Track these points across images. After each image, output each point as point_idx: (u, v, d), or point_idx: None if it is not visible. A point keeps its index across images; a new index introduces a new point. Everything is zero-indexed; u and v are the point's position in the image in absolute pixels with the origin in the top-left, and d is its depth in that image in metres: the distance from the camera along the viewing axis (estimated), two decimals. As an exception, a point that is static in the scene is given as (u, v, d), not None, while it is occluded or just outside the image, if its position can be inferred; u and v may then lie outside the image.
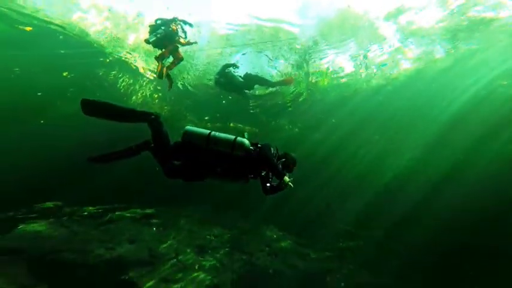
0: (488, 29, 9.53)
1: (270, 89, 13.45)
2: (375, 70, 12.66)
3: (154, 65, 10.00)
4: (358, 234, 10.07)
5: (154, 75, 8.34)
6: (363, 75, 13.02)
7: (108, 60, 10.54)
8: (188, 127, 3.27)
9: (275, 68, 13.15)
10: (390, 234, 9.57)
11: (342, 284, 7.52)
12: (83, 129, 8.81)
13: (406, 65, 12.10)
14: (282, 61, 13.07)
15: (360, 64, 12.68)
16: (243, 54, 12.30)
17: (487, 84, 10.96)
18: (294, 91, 14.19)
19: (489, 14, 9.04)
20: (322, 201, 11.42)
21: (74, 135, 8.93)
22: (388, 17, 10.28)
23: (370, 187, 11.87)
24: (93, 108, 3.01)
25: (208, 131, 3.22)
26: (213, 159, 3.14)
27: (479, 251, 7.87)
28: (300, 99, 14.24)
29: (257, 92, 13.77)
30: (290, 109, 14.45)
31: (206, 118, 12.82)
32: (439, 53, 11.25)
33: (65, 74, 9.57)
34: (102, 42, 10.34)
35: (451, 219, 9.24)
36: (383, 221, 10.27)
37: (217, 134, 3.17)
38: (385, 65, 11.57)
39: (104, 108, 3.03)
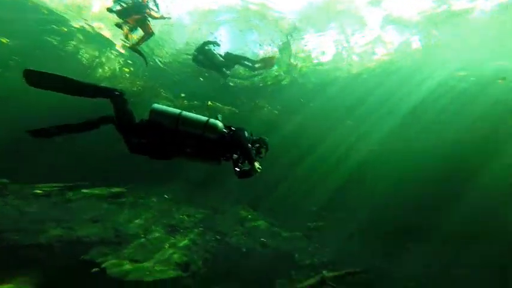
0: (460, 21, 9.88)
1: (253, 73, 13.22)
2: (354, 57, 12.84)
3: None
4: (324, 215, 10.66)
5: (126, 44, 7.76)
6: (344, 62, 13.18)
7: (65, 29, 9.52)
8: (156, 105, 3.05)
9: (259, 46, 12.83)
10: (352, 216, 10.30)
11: (307, 261, 8.05)
12: (34, 100, 7.99)
13: (383, 53, 12.37)
14: (265, 44, 12.78)
15: (342, 51, 12.77)
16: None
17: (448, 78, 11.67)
18: (276, 75, 14.04)
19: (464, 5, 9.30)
20: (294, 183, 11.84)
21: (25, 107, 8.05)
22: (372, 2, 10.22)
23: (338, 171, 12.46)
24: (40, 80, 2.68)
25: (179, 111, 3.04)
26: (183, 140, 3.00)
27: (424, 229, 8.89)
28: (282, 82, 14.14)
29: (238, 72, 13.44)
30: (270, 91, 14.36)
31: (182, 95, 12.34)
32: (416, 43, 11.56)
33: (4, 40, 8.46)
34: (57, 9, 9.10)
35: (410, 202, 10.10)
36: (348, 203, 10.98)
37: (188, 114, 3.03)
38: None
39: (52, 80, 2.70)
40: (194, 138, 3.02)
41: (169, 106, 3.23)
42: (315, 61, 13.33)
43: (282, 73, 13.81)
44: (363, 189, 11.17)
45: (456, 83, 11.35)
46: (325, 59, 13.30)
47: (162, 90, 12.03)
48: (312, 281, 6.50)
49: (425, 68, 11.56)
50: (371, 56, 12.40)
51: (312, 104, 13.92)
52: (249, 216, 9.84)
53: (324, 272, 6.79)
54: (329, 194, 11.55)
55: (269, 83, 14.17)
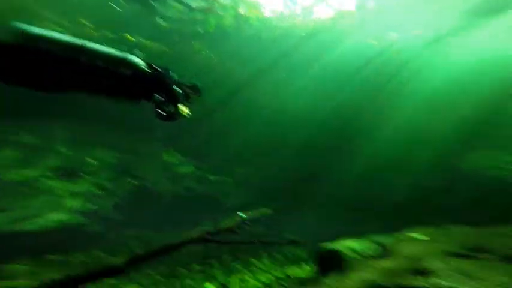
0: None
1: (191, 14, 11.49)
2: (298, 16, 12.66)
3: None
4: (251, 160, 11.07)
5: None
6: (287, 16, 12.89)
7: None
8: (18, 24, 2.14)
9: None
10: (275, 161, 11.19)
11: (231, 203, 8.74)
12: None
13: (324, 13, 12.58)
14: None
15: (288, 8, 12.40)
16: None
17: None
18: (218, 19, 12.70)
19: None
20: (223, 127, 11.93)
21: None
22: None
23: (262, 119, 13.05)
24: None
25: (77, 39, 2.37)
26: (82, 73, 2.44)
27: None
28: (226, 29, 13.01)
29: (173, 13, 11.48)
30: (211, 37, 13.11)
31: (84, 22, 9.28)
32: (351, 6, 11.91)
33: None
34: None
35: (314, 154, 11.33)
36: (273, 148, 11.59)
37: (93, 45, 2.43)
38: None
39: None
40: (101, 73, 2.52)
41: (63, 33, 2.46)
42: (264, 15, 12.65)
43: (226, 17, 12.59)
44: (279, 139, 11.97)
45: (369, 50, 12.47)
46: (272, 14, 12.77)
47: (41, 9, 8.65)
48: (231, 221, 7.17)
49: (356, 32, 12.25)
50: (311, 15, 12.47)
51: (250, 55, 13.54)
52: (177, 161, 9.60)
53: (241, 213, 7.54)
54: (255, 141, 12.01)
55: (211, 30, 12.79)
